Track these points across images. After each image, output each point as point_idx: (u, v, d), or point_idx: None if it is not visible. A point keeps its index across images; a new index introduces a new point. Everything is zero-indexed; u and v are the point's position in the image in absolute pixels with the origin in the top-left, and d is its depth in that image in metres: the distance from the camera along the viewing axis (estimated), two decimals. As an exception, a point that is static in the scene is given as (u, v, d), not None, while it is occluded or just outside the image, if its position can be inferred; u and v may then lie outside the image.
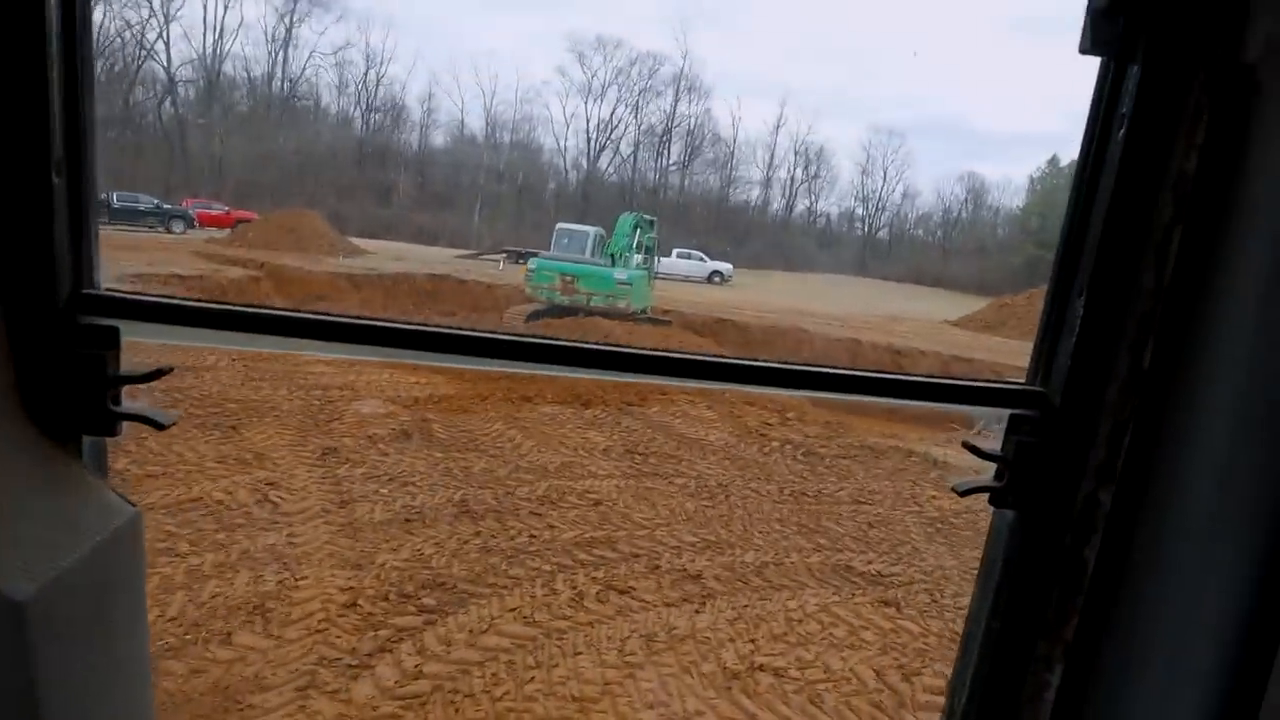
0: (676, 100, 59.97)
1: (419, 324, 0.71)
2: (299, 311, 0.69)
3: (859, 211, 69.58)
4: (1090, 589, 0.75)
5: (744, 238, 60.04)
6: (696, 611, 4.86)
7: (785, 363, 0.80)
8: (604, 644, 4.35)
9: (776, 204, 68.00)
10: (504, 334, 0.73)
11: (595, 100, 59.58)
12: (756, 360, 0.82)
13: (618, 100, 58.79)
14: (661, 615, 4.78)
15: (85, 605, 0.55)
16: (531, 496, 6.58)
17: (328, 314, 0.70)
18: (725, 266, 34.41)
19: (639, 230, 17.22)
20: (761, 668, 4.24)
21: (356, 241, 30.99)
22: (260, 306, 0.65)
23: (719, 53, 74.75)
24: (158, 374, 0.65)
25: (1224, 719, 0.66)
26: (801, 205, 68.73)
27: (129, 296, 0.62)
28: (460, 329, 0.74)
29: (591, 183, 59.21)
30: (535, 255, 15.27)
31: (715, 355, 0.82)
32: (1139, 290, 0.71)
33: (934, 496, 7.71)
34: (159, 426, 0.65)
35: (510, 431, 8.38)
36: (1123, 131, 0.71)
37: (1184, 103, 0.68)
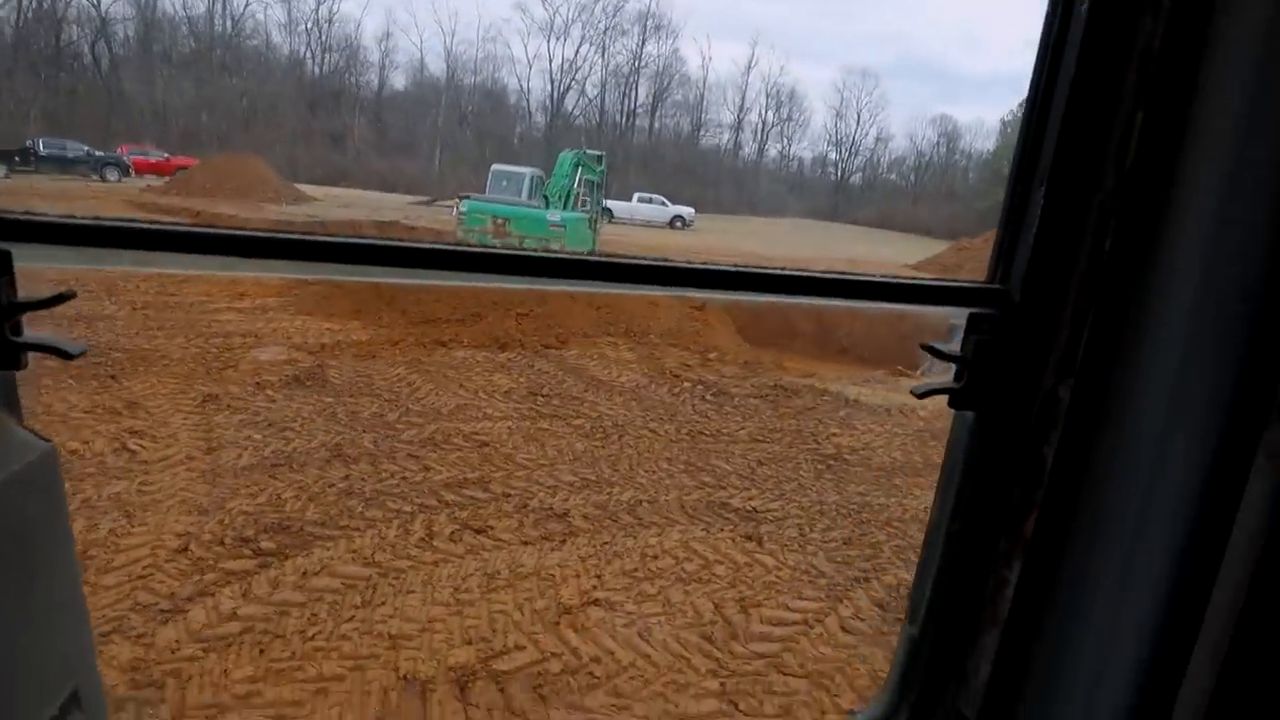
0: (643, 40, 58.13)
1: (335, 237, 0.66)
2: (208, 228, 0.65)
3: (831, 155, 68.82)
4: (1049, 486, 0.75)
5: (715, 182, 59.21)
6: (552, 550, 4.80)
7: (746, 267, 0.76)
8: (441, 583, 4.28)
9: (748, 148, 66.94)
10: (438, 245, 0.70)
11: (558, 39, 57.55)
12: (718, 266, 0.78)
13: (582, 39, 56.84)
14: (513, 554, 4.72)
15: (4, 541, 0.54)
16: (416, 440, 6.45)
17: (240, 229, 0.67)
18: (687, 211, 33.87)
19: (580, 168, 16.73)
20: (597, 602, 4.21)
21: (303, 188, 30.01)
22: (167, 223, 0.62)
23: (688, -11, 72.24)
24: (59, 299, 0.62)
25: (1179, 609, 0.67)
26: (774, 149, 67.73)
27: (20, 217, 0.58)
28: (378, 239, 0.69)
29: (556, 126, 57.62)
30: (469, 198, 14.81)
31: (667, 260, 0.78)
32: (1100, 176, 0.70)
33: (834, 434, 7.71)
34: (66, 356, 0.62)
35: (412, 376, 8.20)
36: (1085, 5, 0.69)
37: None
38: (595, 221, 17.50)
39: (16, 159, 25.25)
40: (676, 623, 4.13)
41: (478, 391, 7.93)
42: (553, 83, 57.10)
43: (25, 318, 0.60)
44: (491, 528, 5.01)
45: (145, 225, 0.61)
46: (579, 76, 57.69)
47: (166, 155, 31.60)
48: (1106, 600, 0.72)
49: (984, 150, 60.56)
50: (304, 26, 51.19)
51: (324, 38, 52.69)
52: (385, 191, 38.56)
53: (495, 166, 18.00)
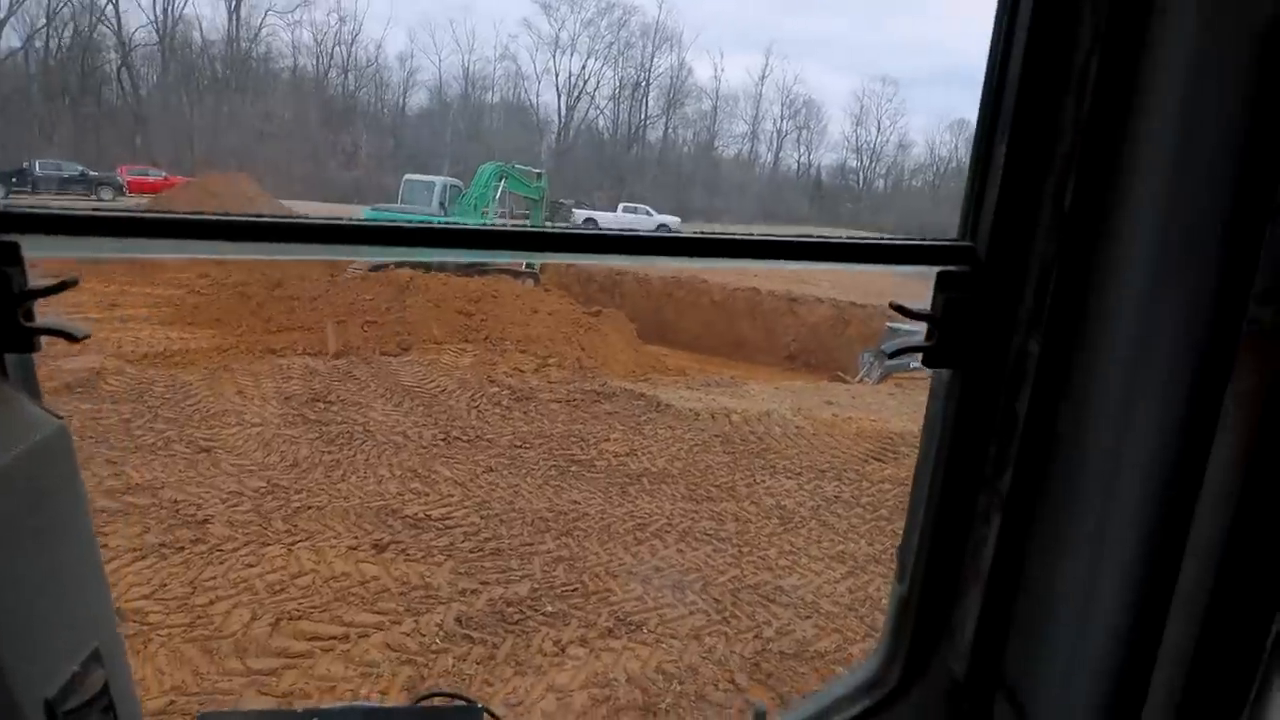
0: (653, 53, 58.26)
1: (327, 220, 0.70)
2: (205, 214, 0.67)
3: (851, 163, 67.52)
4: (1022, 441, 0.75)
5: (725, 191, 58.75)
6: (138, 559, 4.62)
7: (710, 234, 0.78)
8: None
9: (764, 158, 66.25)
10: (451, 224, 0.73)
11: (564, 53, 58.17)
12: (680, 234, 0.80)
13: (589, 53, 57.32)
14: (110, 567, 4.56)
15: (21, 510, 0.58)
16: (133, 445, 6.37)
17: (237, 215, 0.69)
18: (672, 220, 33.63)
19: (504, 180, 16.70)
20: (117, 611, 4.01)
21: (287, 204, 30.85)
22: (164, 212, 0.67)
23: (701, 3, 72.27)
24: (64, 286, 0.65)
25: (1156, 556, 0.68)
26: (791, 158, 66.86)
27: (26, 211, 0.62)
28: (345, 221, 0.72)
29: (567, 140, 58.13)
30: (381, 207, 14.88)
31: (630, 231, 0.80)
32: (1060, 128, 0.70)
33: (608, 440, 7.34)
34: (73, 339, 0.67)
35: (201, 382, 8.16)
36: None
37: None
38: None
39: (14, 179, 26.65)
40: (194, 633, 3.90)
41: (255, 398, 7.85)
42: (558, 95, 57.67)
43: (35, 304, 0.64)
44: (105, 534, 4.87)
45: (144, 215, 0.65)
46: (588, 89, 58.12)
47: (164, 175, 32.92)
48: (1083, 552, 0.72)
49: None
50: (324, 48, 53.02)
51: (346, 58, 54.49)
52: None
53: (407, 176, 18.15)
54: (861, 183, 66.98)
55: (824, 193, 64.58)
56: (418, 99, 58.77)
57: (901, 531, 0.92)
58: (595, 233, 0.80)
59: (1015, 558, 0.80)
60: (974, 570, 0.83)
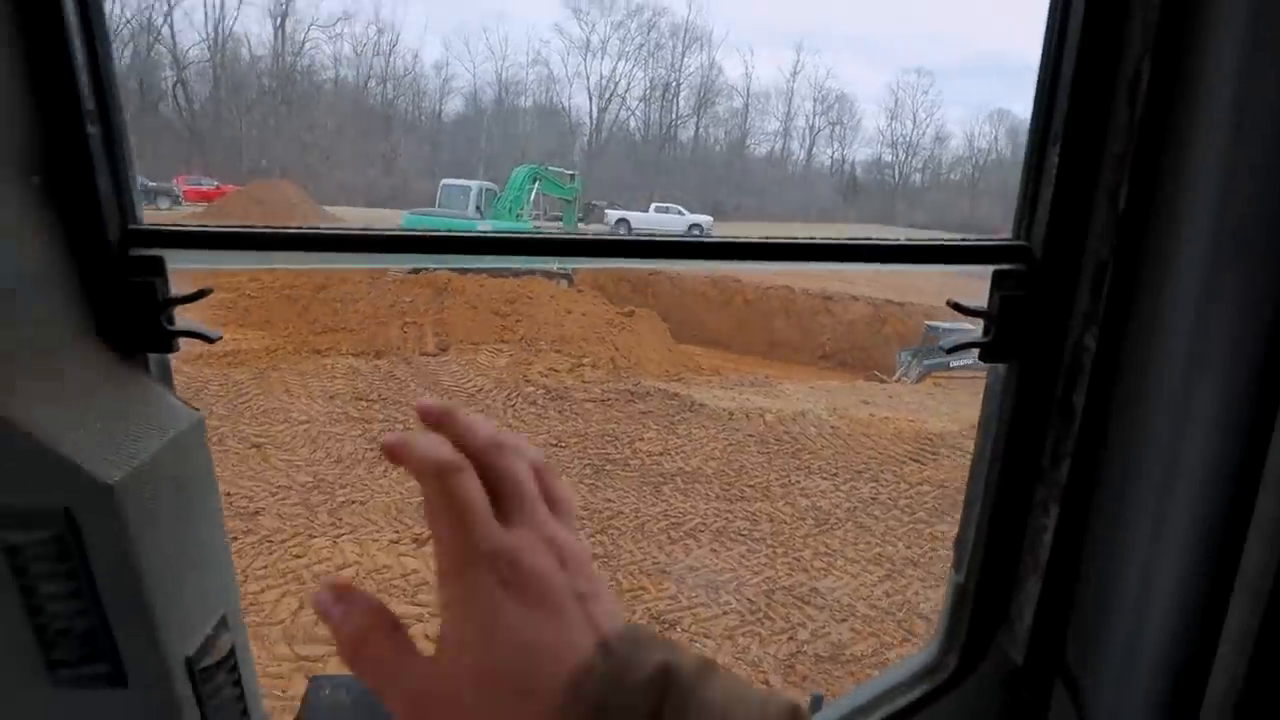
0: (683, 53, 58.19)
1: (442, 231, 0.79)
2: (322, 228, 0.76)
3: (887, 158, 66.48)
4: (1080, 432, 0.78)
5: (758, 191, 58.38)
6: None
7: (751, 239, 0.81)
8: None
9: (798, 154, 65.63)
10: (537, 234, 0.82)
11: (595, 56, 58.42)
12: (721, 239, 0.84)
13: (619, 55, 57.51)
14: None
15: (166, 493, 0.65)
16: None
17: (349, 228, 0.78)
18: (705, 220, 33.43)
19: (538, 182, 16.85)
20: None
21: (330, 209, 31.64)
22: (286, 227, 0.73)
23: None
24: (201, 294, 0.73)
25: (1215, 544, 0.69)
26: (825, 155, 66.11)
27: (171, 229, 0.71)
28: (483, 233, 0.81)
29: (599, 142, 58.42)
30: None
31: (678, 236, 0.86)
32: (1113, 130, 0.72)
33: (642, 439, 7.38)
34: (209, 340, 0.75)
35: (253, 381, 8.44)
36: None
37: None
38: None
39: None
40: (246, 619, 4.05)
41: (302, 396, 8.09)
42: (590, 98, 57.96)
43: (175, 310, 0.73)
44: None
45: (267, 230, 0.73)
46: (619, 91, 58.33)
47: (216, 184, 34.06)
48: (1141, 543, 0.73)
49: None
50: (364, 59, 54.27)
51: (385, 68, 55.70)
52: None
53: (444, 181, 18.41)
54: (897, 176, 65.95)
55: (859, 188, 63.69)
56: (454, 105, 59.75)
57: (942, 532, 0.93)
58: (630, 238, 0.82)
59: (1073, 548, 0.81)
60: (1032, 560, 0.84)
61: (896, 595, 5.18)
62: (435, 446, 0.38)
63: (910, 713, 0.91)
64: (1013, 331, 0.81)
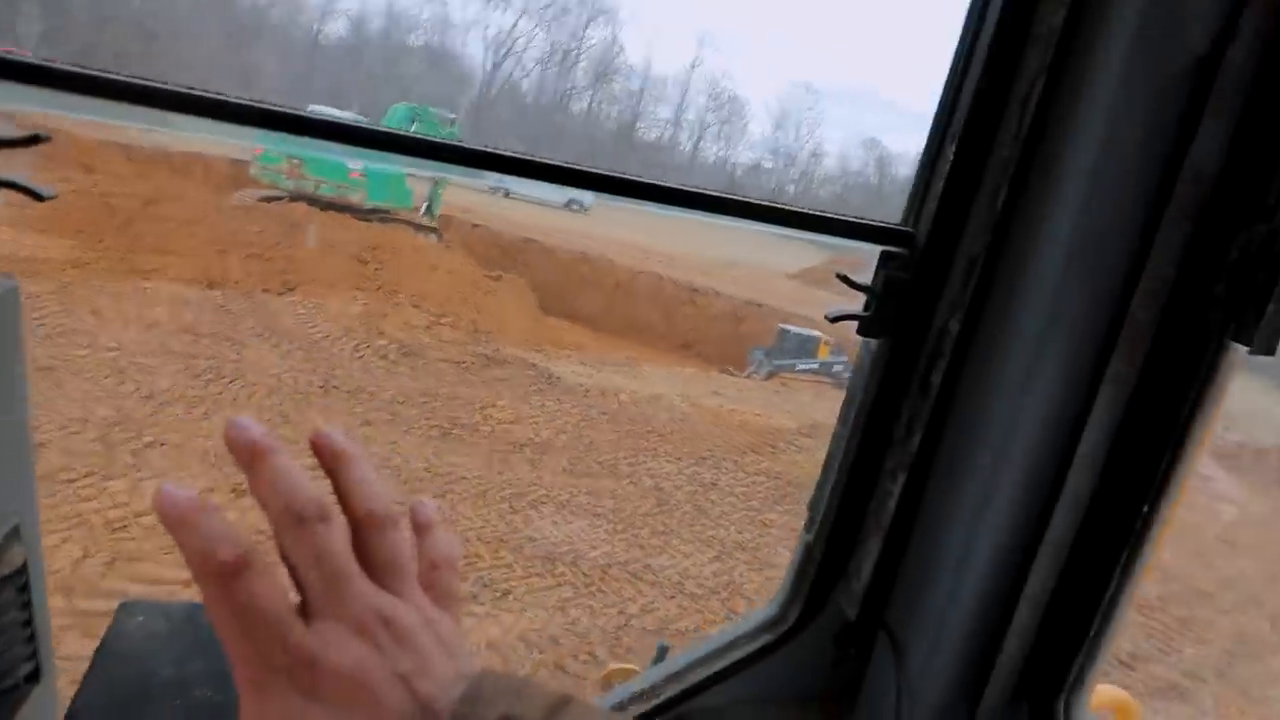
0: (587, 23, 57.20)
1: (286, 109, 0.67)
2: (170, 84, 0.60)
3: (767, 164, 69.34)
4: (934, 408, 0.85)
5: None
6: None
7: (658, 181, 0.81)
8: None
9: (684, 145, 66.80)
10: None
11: (498, 8, 56.14)
12: (649, 179, 0.82)
13: (522, 11, 55.53)
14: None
15: None
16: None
17: (204, 91, 0.64)
18: (586, 196, 33.30)
19: (416, 123, 15.92)
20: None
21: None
22: (128, 75, 0.59)
23: (644, -22, 71.64)
24: (34, 139, 0.59)
25: (1029, 516, 0.79)
26: (710, 151, 67.80)
27: None
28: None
29: (489, 97, 56.19)
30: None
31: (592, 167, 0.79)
32: (1002, 137, 0.80)
33: (492, 407, 7.26)
34: (38, 198, 0.61)
35: (51, 295, 7.34)
36: None
37: None
38: (441, 183, 16.78)
39: None
40: None
41: (115, 320, 7.17)
42: (486, 50, 55.59)
43: None
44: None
45: (102, 73, 0.59)
46: (516, 48, 56.37)
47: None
48: (968, 511, 0.82)
49: (907, 178, 62.24)
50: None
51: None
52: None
53: (311, 107, 17.04)
54: (774, 184, 69.02)
55: (736, 188, 66.03)
56: (335, 28, 54.94)
57: (772, 520, 1.01)
58: (546, 161, 0.79)
59: (912, 512, 0.89)
60: (876, 522, 0.92)
61: (723, 575, 5.48)
62: (219, 537, 0.32)
63: (749, 663, 0.96)
64: (890, 310, 0.87)
